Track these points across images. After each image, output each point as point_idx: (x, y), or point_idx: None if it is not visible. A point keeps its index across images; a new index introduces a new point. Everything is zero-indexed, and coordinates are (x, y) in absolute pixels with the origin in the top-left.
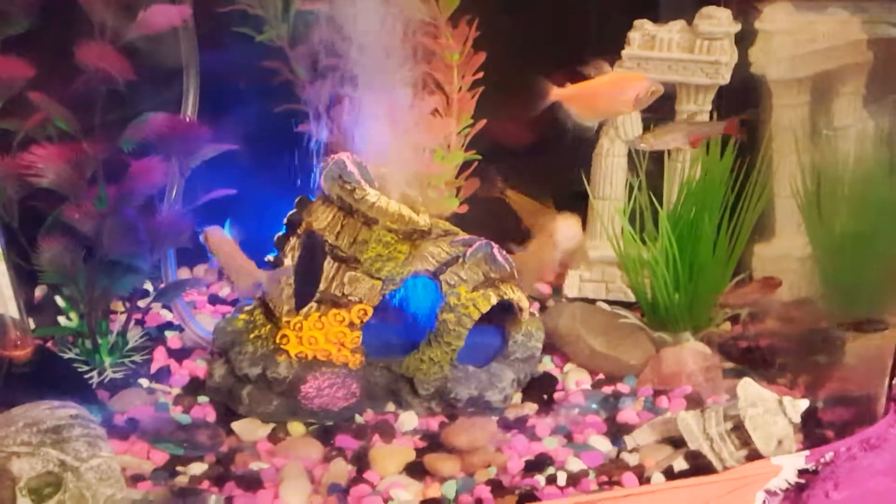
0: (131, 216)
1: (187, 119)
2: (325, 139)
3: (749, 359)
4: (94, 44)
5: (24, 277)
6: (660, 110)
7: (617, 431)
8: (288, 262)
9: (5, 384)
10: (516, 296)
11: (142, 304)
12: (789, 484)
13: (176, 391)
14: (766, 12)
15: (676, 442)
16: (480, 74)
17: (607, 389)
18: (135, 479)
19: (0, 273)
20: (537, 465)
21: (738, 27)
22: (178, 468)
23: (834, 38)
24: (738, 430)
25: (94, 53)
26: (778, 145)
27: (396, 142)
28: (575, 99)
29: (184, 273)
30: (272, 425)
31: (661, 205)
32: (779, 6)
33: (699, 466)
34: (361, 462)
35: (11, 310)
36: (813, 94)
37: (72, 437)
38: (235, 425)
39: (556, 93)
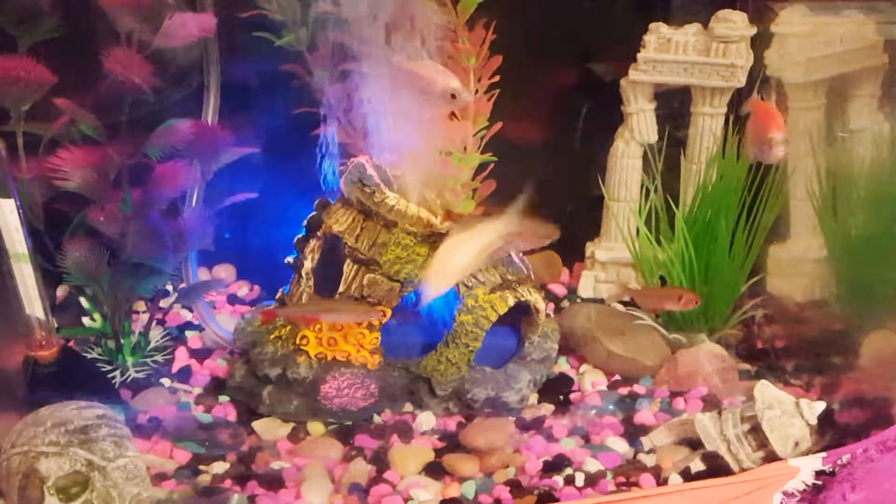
0: (155, 219)
1: (209, 123)
2: (342, 142)
3: (764, 361)
4: (120, 51)
5: (47, 278)
6: (676, 113)
7: (634, 432)
8: (308, 264)
9: (31, 384)
10: (533, 297)
11: (163, 304)
12: (806, 485)
13: (197, 391)
14: (782, 15)
15: (694, 443)
16: (497, 78)
17: (623, 390)
18: (158, 478)
19: (27, 274)
20: (555, 465)
21: (753, 30)
22: (201, 467)
23: (849, 40)
24: (756, 431)
25: (121, 61)
26: (793, 148)
27: (413, 145)
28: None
29: (202, 273)
30: (292, 425)
31: (676, 206)
32: (794, 9)
33: (716, 468)
34: (381, 462)
35: (37, 310)
36: (828, 96)
37: (99, 437)
38: (256, 424)
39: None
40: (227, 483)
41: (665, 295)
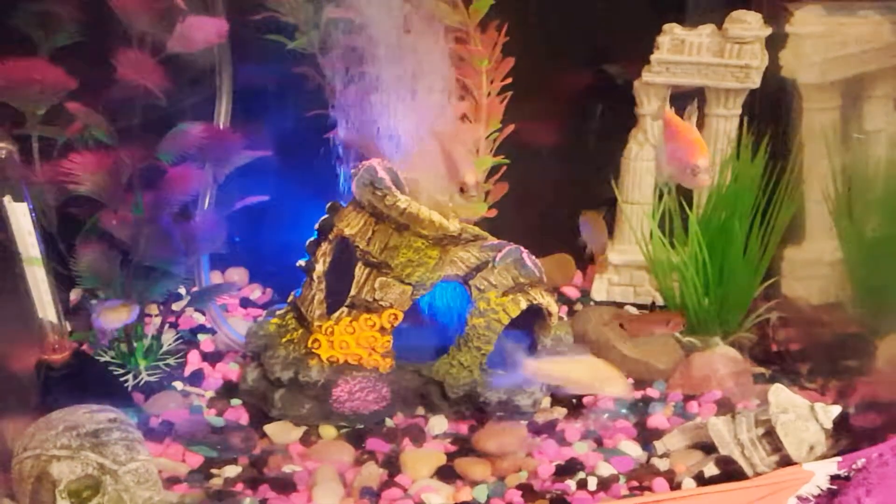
0: (167, 223)
1: (221, 127)
2: (354, 144)
3: (779, 364)
4: (133, 55)
5: (60, 282)
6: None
7: (647, 436)
8: (320, 267)
9: (43, 387)
10: (545, 300)
11: (175, 307)
12: (821, 490)
13: (209, 394)
14: (797, 15)
15: (707, 447)
16: (509, 80)
17: (636, 394)
18: (170, 482)
19: (40, 278)
20: (568, 469)
21: (768, 31)
22: (213, 470)
23: (865, 41)
24: (770, 435)
25: (134, 65)
26: (809, 149)
27: (426, 147)
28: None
29: (215, 276)
30: (304, 428)
31: (690, 208)
32: (810, 9)
33: (730, 472)
34: (393, 465)
35: (50, 314)
36: (844, 97)
37: (110, 441)
38: (268, 428)
39: None
40: (240, 487)
41: (653, 320)
